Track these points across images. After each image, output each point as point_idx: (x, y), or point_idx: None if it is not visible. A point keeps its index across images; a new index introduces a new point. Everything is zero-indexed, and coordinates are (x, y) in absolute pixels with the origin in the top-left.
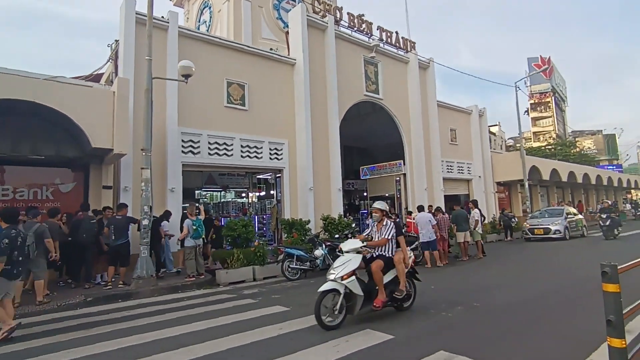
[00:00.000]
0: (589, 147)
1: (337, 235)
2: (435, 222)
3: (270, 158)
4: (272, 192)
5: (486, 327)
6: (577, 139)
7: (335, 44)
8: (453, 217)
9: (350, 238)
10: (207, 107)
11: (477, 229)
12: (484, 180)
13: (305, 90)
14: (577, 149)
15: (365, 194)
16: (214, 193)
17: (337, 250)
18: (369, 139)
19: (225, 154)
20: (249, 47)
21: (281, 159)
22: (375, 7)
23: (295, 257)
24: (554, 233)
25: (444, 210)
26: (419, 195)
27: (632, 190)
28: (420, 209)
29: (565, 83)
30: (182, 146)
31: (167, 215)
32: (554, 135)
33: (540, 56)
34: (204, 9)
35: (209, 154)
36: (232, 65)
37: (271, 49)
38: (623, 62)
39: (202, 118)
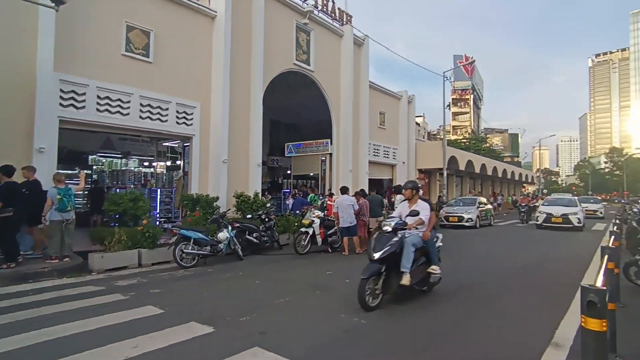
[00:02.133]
0: (497, 144)
1: (249, 216)
2: (358, 207)
3: (178, 122)
4: (178, 162)
5: (406, 337)
6: (488, 136)
7: (265, 2)
8: (369, 201)
9: (265, 219)
10: (99, 53)
11: None
12: (407, 166)
13: (226, 49)
14: (488, 145)
15: (289, 172)
16: (114, 160)
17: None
18: (298, 114)
19: (119, 112)
20: None
21: (191, 124)
22: None
23: (192, 240)
24: (467, 221)
25: (367, 193)
26: (344, 177)
27: (526, 184)
28: (344, 190)
29: (483, 83)
30: (61, 97)
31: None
32: (470, 130)
33: (465, 55)
34: None
35: (98, 110)
36: (136, 6)
37: None
38: (528, 70)
39: (91, 65)
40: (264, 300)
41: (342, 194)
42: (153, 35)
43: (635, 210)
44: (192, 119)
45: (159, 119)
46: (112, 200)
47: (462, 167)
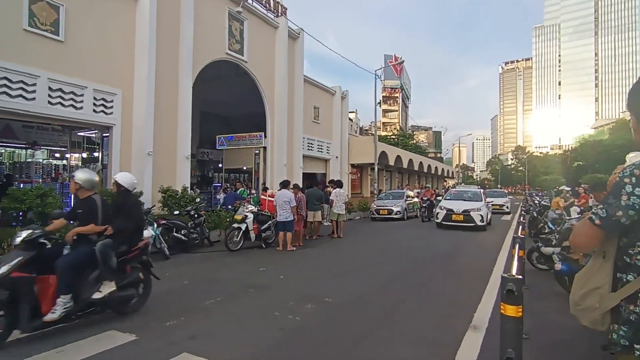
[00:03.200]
0: (422, 140)
1: (177, 212)
2: (295, 202)
3: (96, 110)
4: (96, 154)
5: (342, 330)
6: (414, 133)
7: None
8: (307, 195)
9: (195, 215)
10: None
11: (334, 209)
12: (341, 160)
13: (150, 33)
14: (414, 141)
15: (220, 165)
16: (17, 150)
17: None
18: (230, 106)
19: (21, 95)
20: None
21: (111, 113)
22: None
23: None
24: (396, 214)
25: (301, 187)
26: (278, 171)
27: (447, 179)
28: (284, 184)
29: (411, 83)
30: None
31: None
32: (398, 127)
33: (395, 55)
34: None
35: None
36: None
37: None
38: (449, 73)
39: None
40: (192, 303)
41: (282, 188)
42: (64, 10)
43: (535, 202)
44: (112, 107)
45: (72, 105)
46: (13, 197)
47: (391, 162)
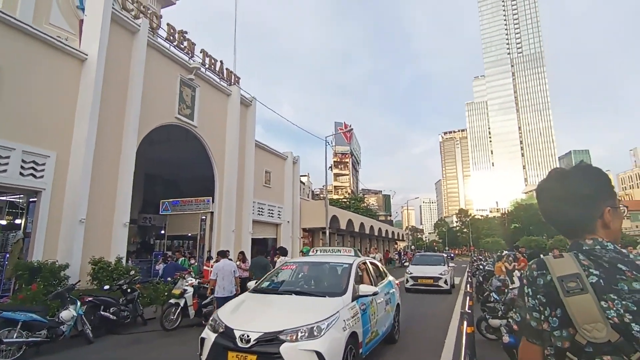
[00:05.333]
0: (373, 204)
1: (107, 287)
2: (239, 273)
3: (23, 174)
4: (18, 220)
5: None
6: (365, 196)
7: (147, 53)
8: (251, 265)
9: (128, 289)
10: None
11: None
12: (292, 225)
13: (95, 95)
14: (365, 204)
15: (162, 231)
16: None
17: None
18: (178, 169)
19: None
20: (12, 18)
21: (41, 176)
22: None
23: (19, 323)
24: None
25: (247, 256)
26: (226, 237)
27: (398, 241)
28: (223, 254)
29: (361, 148)
30: None
31: None
32: (349, 191)
33: (344, 122)
34: None
35: None
36: None
37: (58, 37)
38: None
39: None
40: None
41: (222, 257)
42: None
43: (480, 266)
44: (43, 170)
45: None
46: None
47: (343, 225)
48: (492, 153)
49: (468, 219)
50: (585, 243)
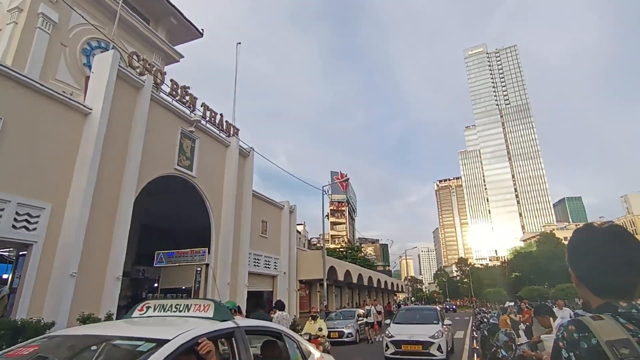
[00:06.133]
0: (370, 253)
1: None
2: None
3: (16, 226)
4: (5, 275)
5: None
6: (362, 245)
7: (150, 107)
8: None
9: None
10: None
11: None
12: (289, 276)
13: (96, 147)
14: (363, 254)
15: (156, 284)
16: None
17: None
18: (175, 219)
19: None
20: (19, 74)
21: (33, 229)
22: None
23: None
24: (347, 336)
25: (244, 310)
26: (221, 290)
27: (397, 293)
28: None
29: (356, 197)
30: None
31: None
32: (346, 240)
33: (340, 172)
34: None
35: None
36: None
37: (64, 92)
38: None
39: None
40: None
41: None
42: (1, 123)
43: (484, 319)
44: (36, 222)
45: None
46: None
47: (340, 277)
48: (487, 201)
49: (468, 269)
50: (619, 305)
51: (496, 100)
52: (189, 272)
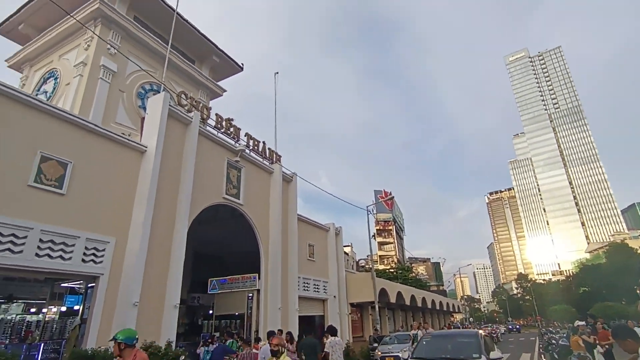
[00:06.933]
0: (422, 273)
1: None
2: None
3: (85, 260)
4: (77, 307)
5: None
6: (412, 265)
7: (198, 141)
8: (300, 348)
9: None
10: None
11: None
12: (339, 300)
13: (152, 183)
14: (414, 274)
15: (211, 311)
16: None
17: None
18: (225, 246)
19: (9, 249)
20: (85, 121)
21: (100, 262)
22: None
23: None
24: None
25: (295, 336)
26: (273, 316)
27: (454, 314)
28: (270, 335)
29: (403, 215)
30: None
31: None
32: (396, 260)
33: (384, 190)
34: (48, 78)
35: None
36: (56, 137)
37: (122, 133)
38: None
39: None
40: None
41: (269, 339)
42: (71, 166)
43: (553, 341)
44: (102, 255)
45: (60, 256)
46: None
47: (392, 299)
48: (544, 211)
49: (529, 285)
50: None
51: (544, 105)
52: (241, 298)
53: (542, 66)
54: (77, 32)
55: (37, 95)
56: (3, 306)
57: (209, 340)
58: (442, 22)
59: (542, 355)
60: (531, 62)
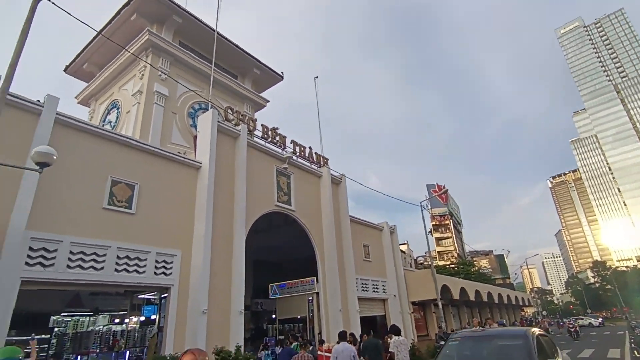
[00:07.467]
0: (485, 266)
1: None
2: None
3: (156, 273)
4: (153, 316)
5: None
6: (474, 259)
7: (247, 152)
8: (363, 349)
9: None
10: (79, 208)
11: None
12: (400, 299)
13: (209, 195)
14: (476, 268)
15: (274, 315)
16: (81, 318)
17: None
18: (282, 253)
19: (92, 267)
20: (145, 144)
21: (170, 274)
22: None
23: None
24: None
25: (358, 336)
26: (334, 318)
27: (524, 308)
28: (342, 336)
29: (460, 208)
30: (29, 256)
31: None
32: (455, 255)
33: (437, 183)
34: (111, 109)
35: (69, 266)
36: (122, 162)
37: (179, 152)
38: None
39: (68, 221)
40: None
41: (341, 340)
42: (138, 188)
43: None
44: (171, 268)
45: (135, 270)
46: None
47: (456, 295)
48: (619, 191)
49: (608, 273)
50: None
51: (607, 75)
52: (302, 302)
53: (601, 34)
54: (132, 64)
55: (103, 125)
56: (91, 318)
57: (268, 344)
58: (480, 3)
59: (635, 351)
60: (587, 31)
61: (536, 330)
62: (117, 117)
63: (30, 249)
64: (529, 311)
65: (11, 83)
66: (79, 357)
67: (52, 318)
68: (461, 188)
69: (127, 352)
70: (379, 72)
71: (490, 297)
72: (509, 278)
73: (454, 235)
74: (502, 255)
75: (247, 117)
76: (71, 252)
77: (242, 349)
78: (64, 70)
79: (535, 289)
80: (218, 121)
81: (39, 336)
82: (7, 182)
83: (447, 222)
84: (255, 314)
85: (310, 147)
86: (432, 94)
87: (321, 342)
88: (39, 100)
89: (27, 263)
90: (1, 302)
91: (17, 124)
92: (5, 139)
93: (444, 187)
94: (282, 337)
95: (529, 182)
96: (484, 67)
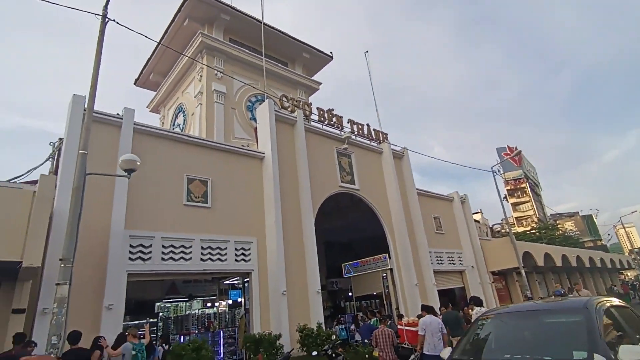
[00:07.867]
0: (570, 229)
1: (315, 353)
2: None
3: (237, 260)
4: (239, 299)
5: None
6: (557, 222)
7: (306, 137)
8: (442, 321)
9: (332, 354)
10: (164, 207)
11: None
12: (478, 269)
13: (275, 184)
14: (561, 232)
15: (350, 293)
16: (179, 304)
17: None
18: (351, 232)
19: (182, 257)
20: (211, 142)
21: (249, 260)
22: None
23: None
24: None
25: (437, 309)
26: (410, 292)
27: (623, 271)
28: (428, 309)
29: (536, 170)
30: (130, 252)
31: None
32: (536, 219)
33: (508, 146)
34: (178, 113)
35: (163, 259)
36: (194, 161)
37: (242, 146)
38: (576, 150)
39: (157, 219)
40: None
41: (426, 313)
42: (210, 183)
43: None
44: (249, 254)
45: (218, 259)
46: (175, 353)
47: (540, 262)
48: None
49: None
50: None
51: None
52: (376, 279)
53: None
54: (191, 67)
55: (174, 129)
56: (187, 303)
57: (341, 319)
58: None
59: None
60: None
61: (606, 301)
62: (184, 120)
63: (131, 245)
64: (631, 274)
65: (95, 102)
66: (182, 337)
67: (157, 304)
68: (536, 148)
69: (221, 332)
70: (431, 35)
71: (580, 261)
72: (601, 240)
73: (532, 199)
74: (590, 215)
75: (302, 103)
76: (163, 246)
77: (322, 325)
78: (134, 83)
79: (636, 249)
80: (275, 110)
81: (149, 320)
82: (104, 188)
83: (522, 185)
84: (331, 292)
85: (368, 125)
86: (492, 50)
87: (400, 316)
88: (118, 114)
89: (129, 258)
90: (115, 292)
91: (103, 137)
92: (96, 151)
93: (516, 149)
94: (360, 313)
95: (614, 133)
96: (549, 13)
